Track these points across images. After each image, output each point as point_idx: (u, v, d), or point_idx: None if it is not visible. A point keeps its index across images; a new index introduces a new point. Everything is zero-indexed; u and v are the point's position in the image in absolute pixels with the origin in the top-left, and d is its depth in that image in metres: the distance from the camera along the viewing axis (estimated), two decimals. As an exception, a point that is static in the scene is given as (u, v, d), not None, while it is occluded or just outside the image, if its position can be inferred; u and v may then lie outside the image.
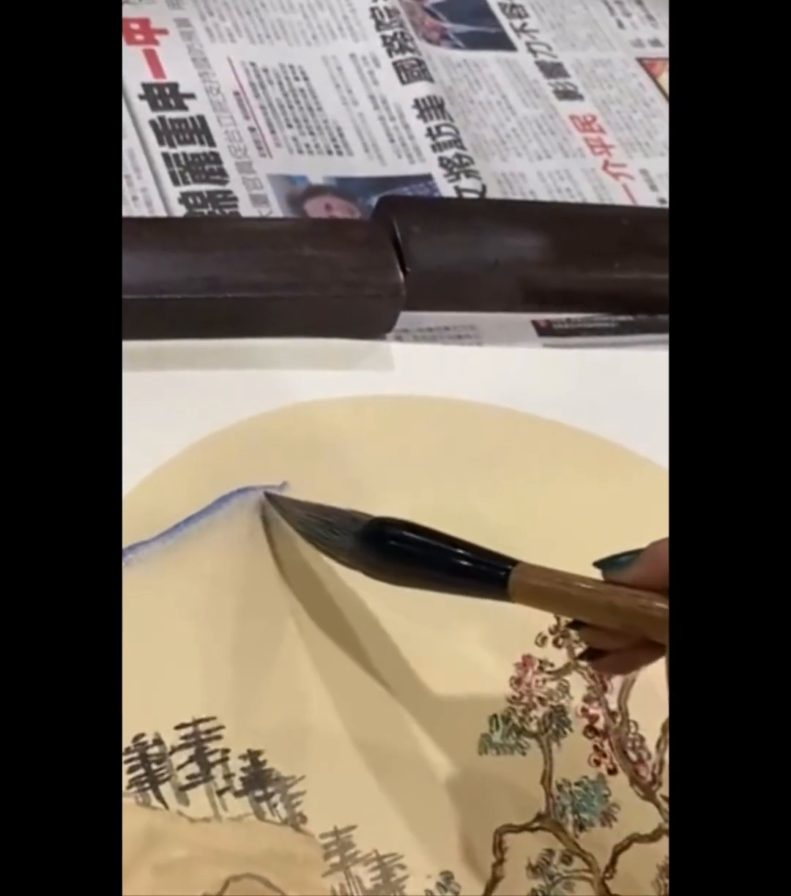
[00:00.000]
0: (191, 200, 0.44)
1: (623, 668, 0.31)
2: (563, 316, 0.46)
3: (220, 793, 0.32)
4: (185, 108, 0.47)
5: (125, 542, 0.35)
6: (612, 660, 0.30)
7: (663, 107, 0.55)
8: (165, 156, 0.45)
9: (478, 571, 0.30)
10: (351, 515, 0.34)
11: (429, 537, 0.32)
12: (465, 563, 0.31)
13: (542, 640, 0.37)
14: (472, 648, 0.36)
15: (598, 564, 0.29)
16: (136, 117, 0.46)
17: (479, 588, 0.31)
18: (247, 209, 0.45)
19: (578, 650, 0.31)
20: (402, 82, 0.51)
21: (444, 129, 0.50)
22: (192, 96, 0.47)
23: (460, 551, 0.31)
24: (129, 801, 0.31)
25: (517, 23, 0.56)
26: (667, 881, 0.34)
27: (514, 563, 0.30)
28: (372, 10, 0.53)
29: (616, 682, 0.37)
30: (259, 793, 0.32)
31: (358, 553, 0.33)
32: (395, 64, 0.51)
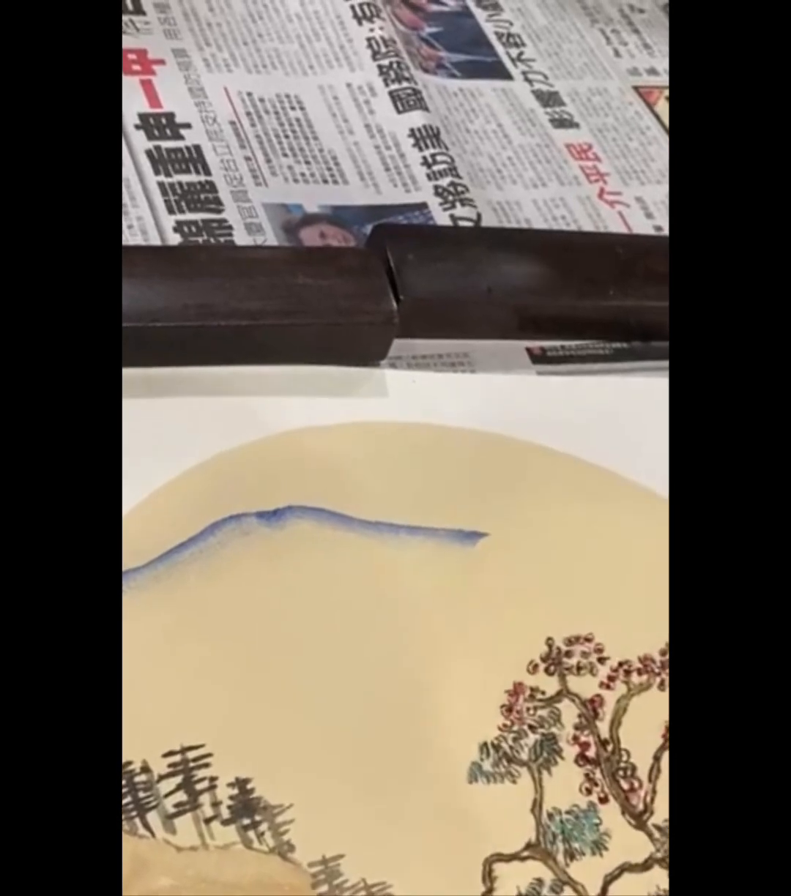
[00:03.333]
0: (186, 229, 0.44)
1: None
2: (558, 343, 0.46)
3: (208, 821, 0.32)
4: (181, 137, 0.47)
5: (116, 570, 0.35)
6: None
7: (660, 135, 0.55)
8: (161, 185, 0.45)
9: None
10: None
11: None
12: None
13: (533, 668, 0.37)
14: (462, 676, 0.36)
15: None
16: (132, 147, 0.46)
17: None
18: (242, 237, 0.45)
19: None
20: (398, 111, 0.51)
21: (439, 158, 0.50)
22: (188, 126, 0.48)
23: None
24: (116, 829, 0.31)
25: (514, 52, 0.56)
26: (658, 911, 0.34)
27: None
28: (368, 40, 0.53)
29: (607, 710, 0.37)
30: (247, 821, 0.32)
31: None
32: (391, 93, 0.52)
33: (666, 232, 0.51)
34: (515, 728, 0.35)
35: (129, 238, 0.43)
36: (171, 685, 0.34)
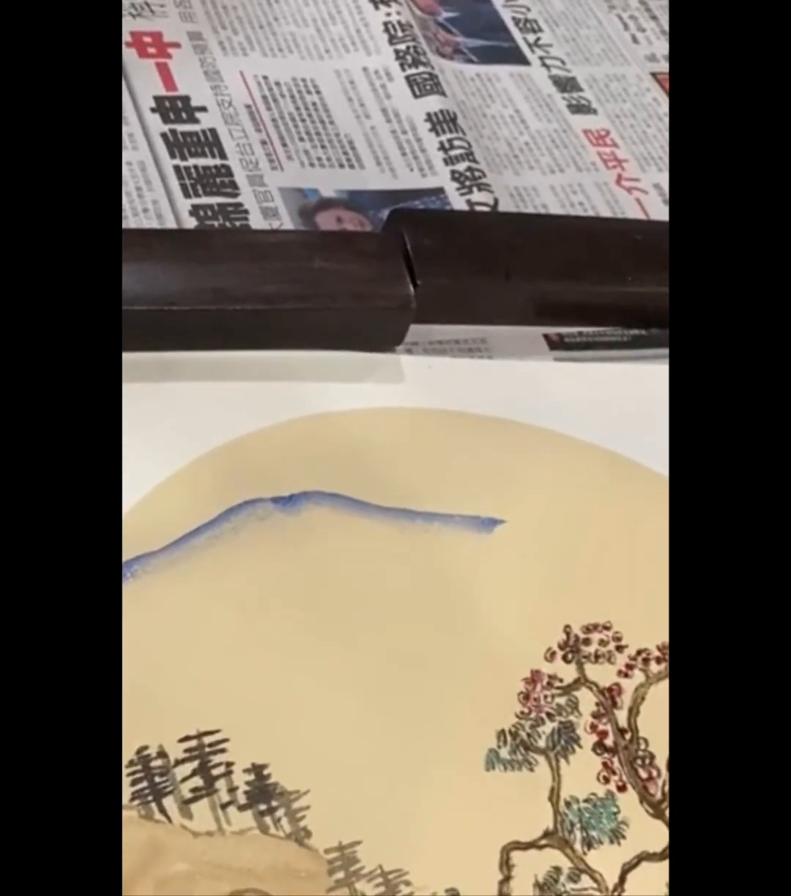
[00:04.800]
0: (201, 213, 0.44)
1: None
2: (575, 330, 0.46)
3: (224, 806, 0.32)
4: (196, 120, 0.47)
5: (131, 554, 0.35)
6: None
7: (678, 121, 0.55)
8: (176, 168, 0.45)
9: None
10: None
11: None
12: None
13: (550, 656, 0.36)
14: (478, 663, 0.36)
15: None
16: (148, 130, 0.46)
17: None
18: (257, 222, 0.45)
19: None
20: (415, 96, 0.51)
21: (456, 143, 0.50)
22: (203, 109, 0.47)
23: None
24: (131, 814, 0.31)
25: (531, 37, 0.56)
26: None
27: None
28: (385, 24, 0.53)
29: (626, 698, 0.36)
30: (263, 807, 0.32)
31: None
32: (407, 78, 0.51)
33: (684, 218, 0.51)
34: (533, 716, 0.35)
35: (145, 221, 0.43)
36: (187, 670, 0.34)
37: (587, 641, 0.37)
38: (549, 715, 0.35)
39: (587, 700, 0.36)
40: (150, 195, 0.44)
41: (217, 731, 0.33)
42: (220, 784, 0.32)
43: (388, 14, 0.53)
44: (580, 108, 0.54)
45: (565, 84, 0.55)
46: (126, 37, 0.48)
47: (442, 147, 0.49)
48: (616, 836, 0.34)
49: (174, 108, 0.47)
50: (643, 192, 0.51)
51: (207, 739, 0.32)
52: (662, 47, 0.58)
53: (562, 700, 0.36)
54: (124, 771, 0.31)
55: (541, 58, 0.55)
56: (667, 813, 0.35)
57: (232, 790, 0.32)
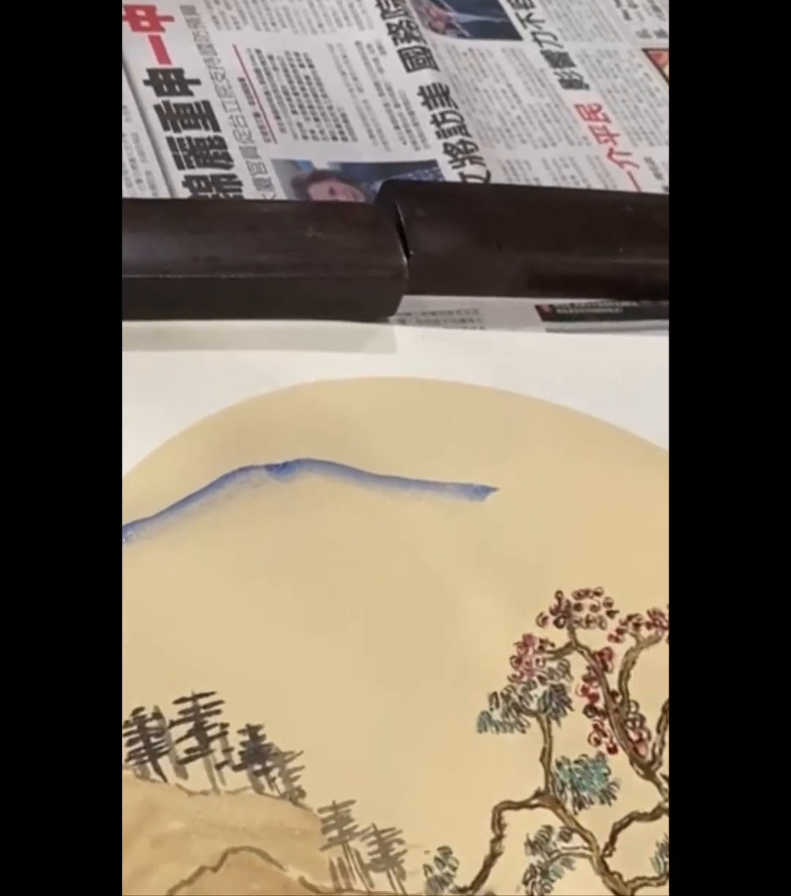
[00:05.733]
0: (195, 184, 0.44)
1: None
2: (567, 301, 0.46)
3: (219, 767, 0.32)
4: (190, 93, 0.47)
5: (126, 520, 0.35)
6: None
7: (668, 96, 0.55)
8: (170, 140, 0.45)
9: None
10: None
11: None
12: None
13: (542, 620, 0.37)
14: (471, 628, 0.36)
15: None
16: (141, 102, 0.46)
17: None
18: (251, 193, 0.45)
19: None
20: (408, 70, 0.51)
21: (448, 116, 0.50)
22: (197, 82, 0.48)
23: None
24: (127, 773, 0.31)
25: (523, 13, 0.56)
26: (667, 859, 0.34)
27: None
28: (378, -2, 0.53)
29: (617, 662, 0.37)
30: (258, 767, 0.32)
31: None
32: (400, 52, 0.51)
33: (675, 192, 0.51)
34: (525, 679, 0.36)
35: (138, 192, 0.43)
36: (182, 633, 0.34)
37: (578, 607, 0.37)
38: (540, 678, 0.36)
39: (578, 664, 0.36)
40: (144, 166, 0.44)
41: (212, 693, 0.33)
42: (215, 745, 0.32)
43: (381, -12, 0.53)
44: (572, 83, 0.54)
45: (557, 59, 0.55)
46: (119, 10, 0.48)
47: (434, 120, 0.50)
48: (607, 796, 0.34)
49: (168, 80, 0.47)
50: (634, 166, 0.52)
51: (202, 701, 0.33)
52: (654, 23, 0.58)
53: (553, 664, 0.36)
54: (120, 731, 0.32)
55: (533, 33, 0.55)
56: (657, 774, 0.35)
57: (227, 751, 0.32)
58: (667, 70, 0.57)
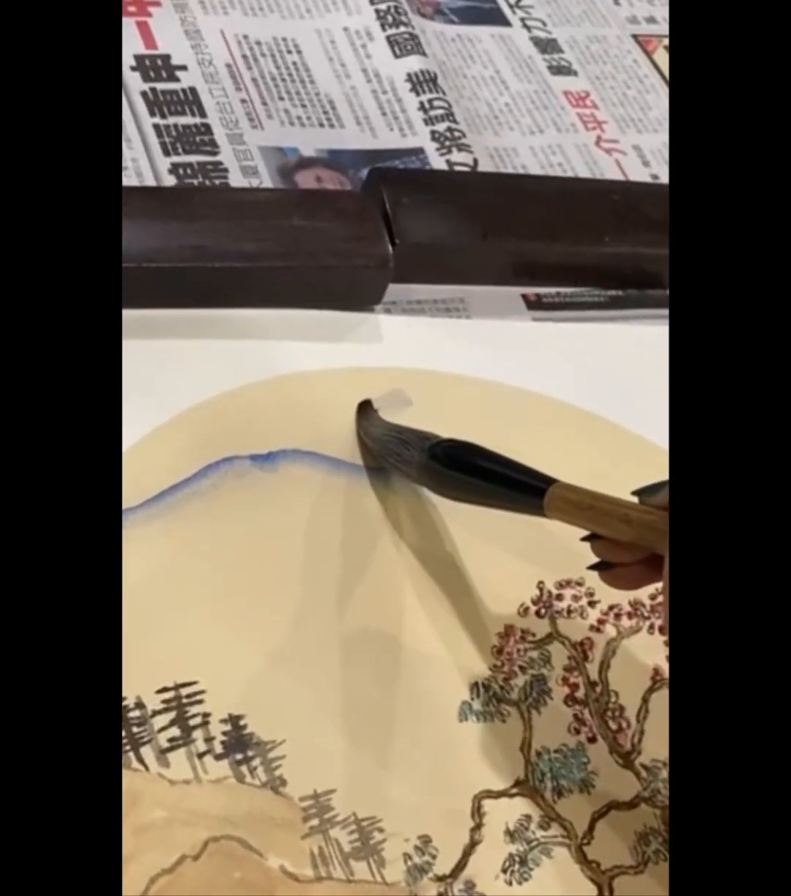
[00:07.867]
0: (181, 171, 0.44)
1: (628, 583, 0.33)
2: (553, 290, 0.46)
3: (201, 756, 0.32)
4: (176, 79, 0.47)
5: (111, 509, 0.35)
6: (620, 573, 0.32)
7: (657, 84, 0.55)
8: (156, 127, 0.45)
9: (523, 484, 0.34)
10: (423, 434, 0.37)
11: (485, 454, 0.35)
12: (513, 475, 0.34)
13: (524, 611, 0.37)
14: (453, 618, 0.36)
15: (635, 492, 0.32)
16: (128, 88, 0.46)
17: (521, 501, 0.34)
18: (237, 180, 0.45)
19: (590, 563, 0.32)
20: (396, 56, 0.51)
21: (436, 104, 0.50)
22: (184, 68, 0.48)
23: (510, 465, 0.34)
24: (109, 762, 0.31)
25: (512, -2, 0.56)
26: (644, 848, 0.34)
27: (551, 480, 0.33)
28: (366, -17, 0.53)
29: (597, 652, 0.37)
30: (239, 756, 0.32)
31: (426, 467, 0.36)
32: (388, 38, 0.51)
33: (662, 180, 0.51)
34: (506, 669, 0.36)
35: (125, 179, 0.43)
36: (165, 623, 0.34)
37: (560, 597, 0.38)
38: (521, 668, 0.36)
39: (559, 654, 0.37)
40: (130, 153, 0.44)
41: (194, 683, 0.33)
42: (197, 734, 0.32)
43: (370, -27, 0.53)
44: (560, 70, 0.54)
45: (546, 45, 0.55)
46: (106, -6, 0.48)
47: (422, 107, 0.49)
48: (586, 785, 0.35)
49: (154, 66, 0.47)
50: (622, 154, 0.52)
51: (184, 691, 0.33)
52: (643, 9, 0.58)
53: (534, 654, 0.36)
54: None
55: (522, 19, 0.55)
56: (636, 764, 0.35)
57: (208, 740, 0.32)
58: (656, 57, 0.56)
